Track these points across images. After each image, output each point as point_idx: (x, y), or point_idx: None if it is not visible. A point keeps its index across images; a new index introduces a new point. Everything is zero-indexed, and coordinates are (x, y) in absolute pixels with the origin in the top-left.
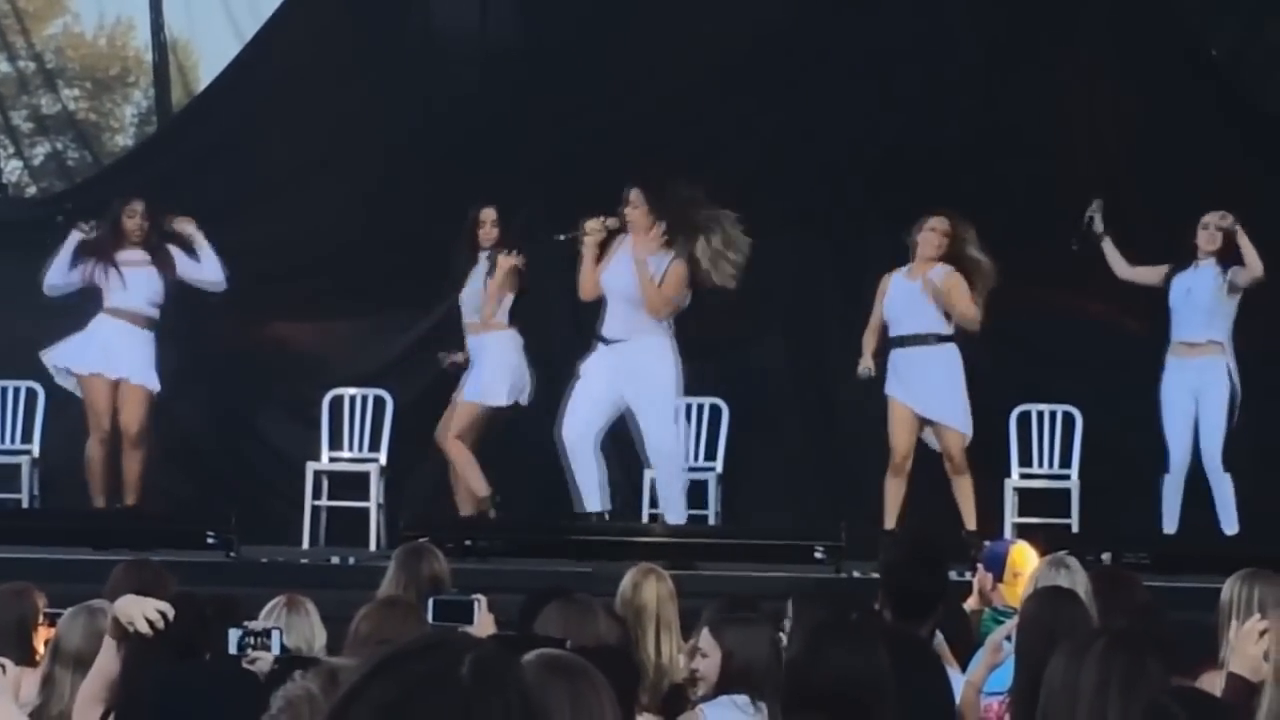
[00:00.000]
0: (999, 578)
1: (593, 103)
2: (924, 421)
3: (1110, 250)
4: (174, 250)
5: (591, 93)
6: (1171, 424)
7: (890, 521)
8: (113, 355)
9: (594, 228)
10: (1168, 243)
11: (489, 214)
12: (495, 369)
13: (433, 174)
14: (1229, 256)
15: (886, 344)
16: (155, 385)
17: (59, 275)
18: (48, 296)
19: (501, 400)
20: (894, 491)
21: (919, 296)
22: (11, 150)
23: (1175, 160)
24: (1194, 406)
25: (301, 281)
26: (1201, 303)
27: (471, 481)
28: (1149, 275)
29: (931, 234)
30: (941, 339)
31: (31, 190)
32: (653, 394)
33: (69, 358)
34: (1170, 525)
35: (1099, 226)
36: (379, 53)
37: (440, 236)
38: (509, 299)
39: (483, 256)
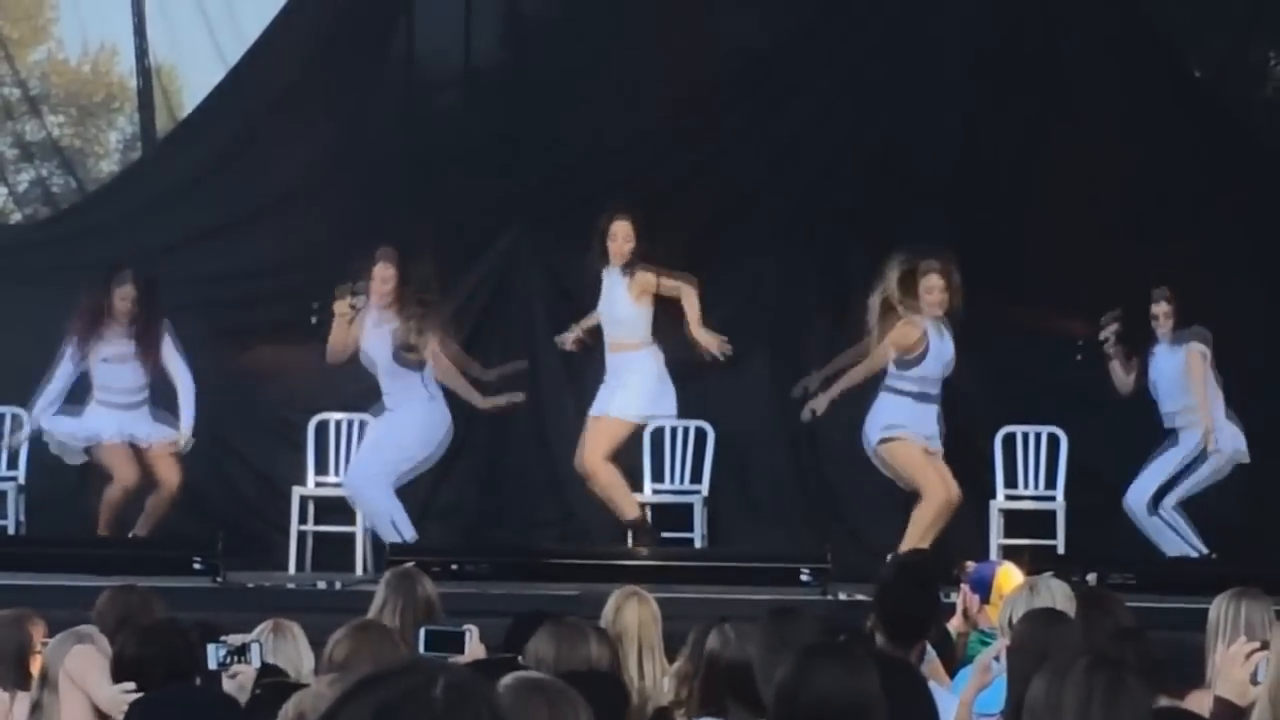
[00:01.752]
0: (985, 599)
1: (575, 126)
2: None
3: (1115, 371)
4: (165, 342)
5: (574, 116)
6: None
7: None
8: (124, 427)
9: (342, 309)
10: (1150, 254)
11: (621, 227)
12: (641, 386)
13: (417, 197)
14: (1183, 327)
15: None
16: (172, 435)
17: (50, 401)
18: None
19: (650, 418)
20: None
21: (945, 352)
22: None
23: (1160, 177)
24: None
25: (286, 306)
26: (1175, 381)
27: (622, 504)
28: (1130, 380)
29: (929, 296)
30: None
31: (16, 217)
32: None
33: (76, 434)
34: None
35: (1113, 345)
36: (363, 76)
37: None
38: (649, 315)
39: (617, 271)
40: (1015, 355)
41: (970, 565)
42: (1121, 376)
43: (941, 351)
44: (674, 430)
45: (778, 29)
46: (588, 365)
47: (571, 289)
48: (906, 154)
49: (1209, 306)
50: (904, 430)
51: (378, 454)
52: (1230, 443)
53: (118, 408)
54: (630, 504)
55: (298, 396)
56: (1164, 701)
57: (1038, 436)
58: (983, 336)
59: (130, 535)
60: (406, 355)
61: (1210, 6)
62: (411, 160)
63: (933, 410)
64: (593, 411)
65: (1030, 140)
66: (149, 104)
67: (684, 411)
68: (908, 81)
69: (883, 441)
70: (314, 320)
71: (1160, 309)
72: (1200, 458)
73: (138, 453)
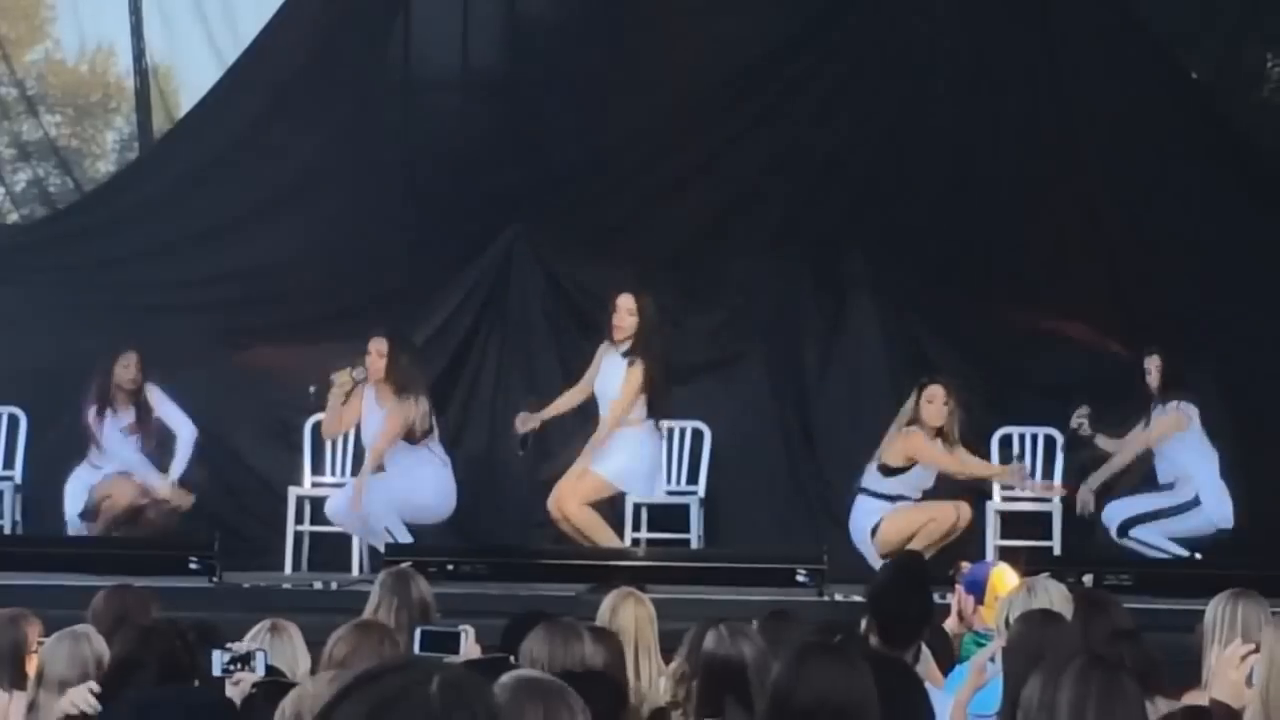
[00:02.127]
0: (980, 600)
1: (572, 127)
2: None
3: (1104, 442)
4: (154, 398)
5: (571, 117)
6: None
7: None
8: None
9: (342, 379)
10: (1146, 254)
11: (625, 301)
12: (632, 459)
13: (413, 201)
14: (1168, 393)
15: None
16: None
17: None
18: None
19: (634, 490)
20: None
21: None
22: None
23: (1157, 178)
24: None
25: (283, 306)
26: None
27: (603, 541)
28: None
29: (930, 405)
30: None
31: (13, 217)
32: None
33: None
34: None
35: (1086, 431)
36: (360, 77)
37: (421, 262)
38: (643, 401)
39: (617, 351)
40: (1012, 356)
41: (966, 566)
42: (1114, 445)
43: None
44: (670, 431)
45: (774, 32)
46: (584, 368)
47: (569, 290)
48: (902, 156)
49: (1205, 303)
50: (884, 516)
51: (376, 489)
52: (1215, 507)
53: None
54: (611, 540)
55: (294, 397)
56: (1160, 702)
57: (1034, 437)
58: (979, 337)
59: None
60: (413, 434)
61: (1206, 8)
62: (409, 161)
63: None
64: (577, 465)
65: (1026, 141)
66: (146, 104)
67: (681, 412)
68: (904, 85)
69: (874, 536)
70: (311, 391)
71: (1153, 362)
72: (1187, 508)
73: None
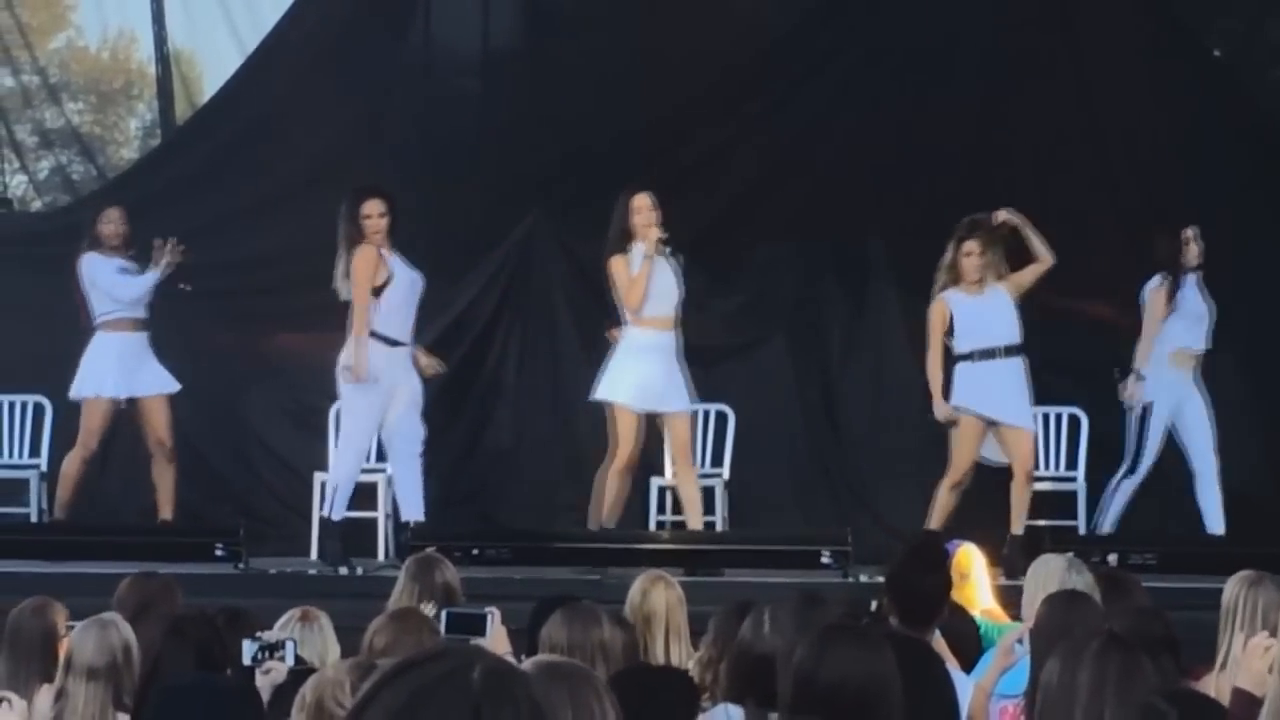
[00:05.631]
0: None
1: (593, 111)
2: (990, 427)
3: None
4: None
5: (592, 101)
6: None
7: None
8: (127, 374)
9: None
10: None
11: (644, 200)
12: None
13: (435, 183)
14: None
15: (948, 362)
16: (173, 386)
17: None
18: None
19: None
20: (948, 503)
21: (985, 310)
22: (16, 165)
23: (1179, 158)
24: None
25: (307, 291)
26: (1202, 323)
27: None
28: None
29: (969, 259)
30: (1010, 351)
31: (37, 205)
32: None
33: (93, 385)
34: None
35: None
36: (382, 61)
37: (442, 244)
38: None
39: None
40: (1036, 336)
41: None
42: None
43: (973, 309)
44: (695, 414)
45: (795, 12)
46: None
47: (591, 274)
48: (925, 138)
49: (1229, 284)
50: (968, 402)
51: (415, 431)
52: None
53: (125, 328)
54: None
55: (318, 381)
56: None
57: (1059, 417)
58: None
59: (160, 520)
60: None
61: None
62: (430, 145)
63: (985, 373)
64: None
65: (1048, 122)
66: (168, 91)
67: (705, 396)
68: (926, 65)
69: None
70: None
71: (1189, 233)
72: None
73: (124, 412)
